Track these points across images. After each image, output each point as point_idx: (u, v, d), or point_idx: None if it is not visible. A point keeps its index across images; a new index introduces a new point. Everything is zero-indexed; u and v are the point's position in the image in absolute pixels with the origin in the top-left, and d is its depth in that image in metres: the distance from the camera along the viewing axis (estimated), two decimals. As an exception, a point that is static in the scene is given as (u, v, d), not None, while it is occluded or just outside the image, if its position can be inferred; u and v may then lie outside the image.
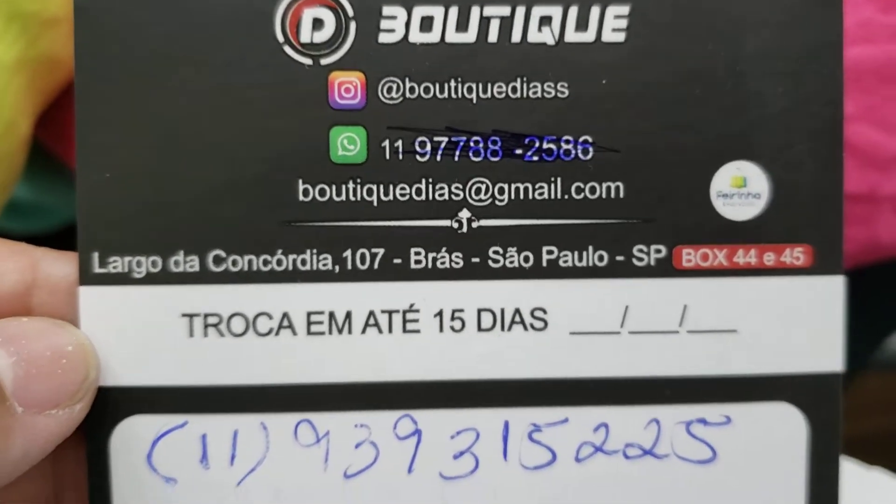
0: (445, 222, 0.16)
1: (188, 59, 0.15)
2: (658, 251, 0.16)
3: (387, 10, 0.15)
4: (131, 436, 0.15)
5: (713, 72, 0.16)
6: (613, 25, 0.15)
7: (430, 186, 0.16)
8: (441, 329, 0.16)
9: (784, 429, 0.16)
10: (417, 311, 0.16)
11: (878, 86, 0.26)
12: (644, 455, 0.16)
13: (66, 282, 0.15)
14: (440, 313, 0.16)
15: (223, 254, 0.15)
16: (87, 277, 0.15)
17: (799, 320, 0.16)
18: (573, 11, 0.15)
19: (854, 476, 0.26)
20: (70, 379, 0.14)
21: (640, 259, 0.16)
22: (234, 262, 0.15)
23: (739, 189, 0.16)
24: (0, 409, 0.13)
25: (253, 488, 0.15)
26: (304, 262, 0.15)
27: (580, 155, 0.16)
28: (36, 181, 0.30)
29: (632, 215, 0.16)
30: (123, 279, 0.15)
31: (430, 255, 0.16)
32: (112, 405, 0.15)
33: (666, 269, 0.16)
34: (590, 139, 0.16)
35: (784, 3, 0.16)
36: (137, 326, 0.15)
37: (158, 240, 0.15)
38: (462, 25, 0.15)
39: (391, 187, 0.15)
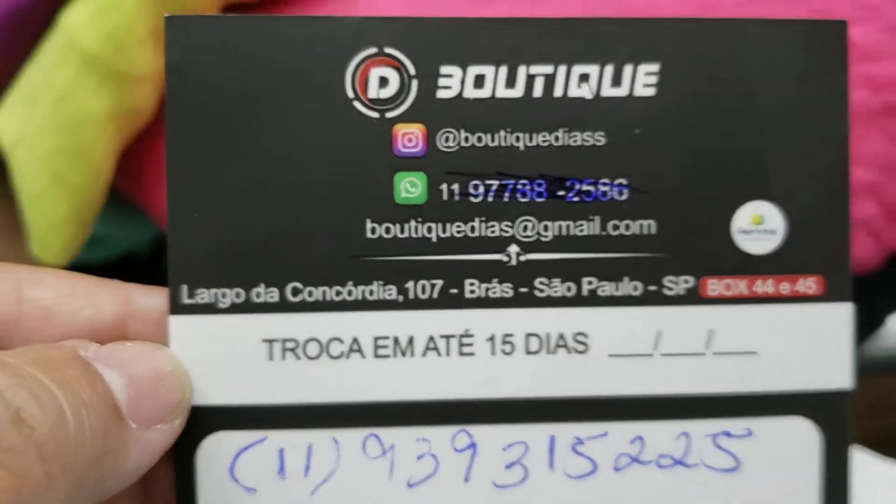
0: (497, 256, 0.17)
1: (268, 112, 0.17)
2: (686, 282, 0.18)
3: (444, 70, 0.17)
4: (216, 450, 0.17)
5: (733, 121, 0.17)
6: (645, 81, 0.17)
7: (483, 224, 0.17)
8: (493, 352, 0.17)
9: (800, 440, 0.18)
10: (472, 336, 0.17)
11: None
12: (675, 465, 0.18)
13: (156, 312, 0.17)
14: (492, 338, 0.17)
15: (300, 286, 0.17)
16: (176, 307, 0.17)
17: (812, 342, 0.18)
18: (609, 69, 0.17)
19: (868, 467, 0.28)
20: (170, 397, 0.16)
21: (670, 289, 0.18)
22: (310, 293, 0.17)
23: (758, 226, 0.18)
24: (119, 425, 0.15)
25: (326, 497, 0.17)
26: (371, 293, 0.17)
27: (616, 196, 0.17)
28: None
29: (663, 250, 0.18)
30: (210, 309, 0.17)
31: (483, 286, 0.17)
32: (199, 422, 0.17)
33: (693, 297, 0.18)
34: (625, 182, 0.17)
35: (795, 61, 0.18)
36: (222, 351, 0.17)
37: (241, 274, 0.17)
38: (510, 82, 0.17)
39: (448, 225, 0.17)
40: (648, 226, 0.17)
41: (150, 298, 0.17)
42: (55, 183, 0.26)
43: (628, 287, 0.17)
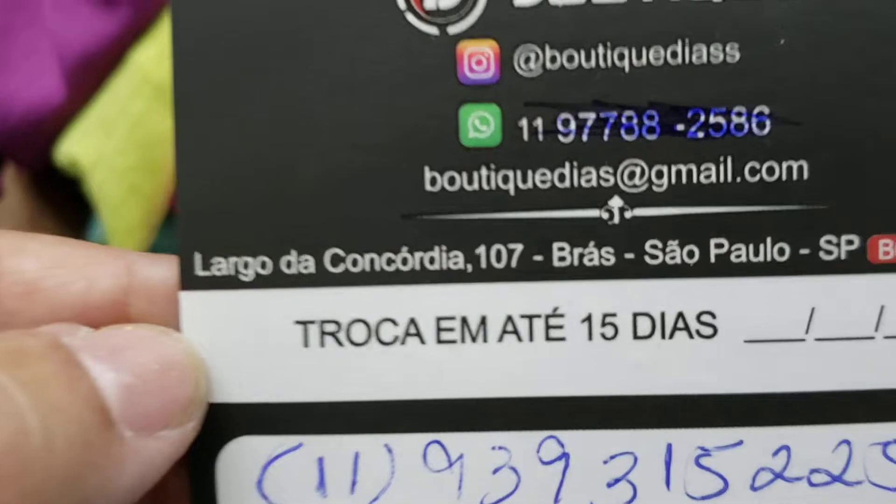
0: (594, 212, 0.13)
1: (297, 35, 0.13)
2: (850, 242, 0.13)
3: (524, -33, 0.13)
4: (240, 459, 0.14)
5: None
6: (793, -26, 0.13)
7: (576, 171, 0.13)
8: (590, 337, 0.13)
9: None
10: (562, 315, 0.13)
11: None
12: (832, 482, 0.13)
13: (165, 287, 0.14)
14: (589, 318, 0.13)
15: (341, 252, 0.13)
16: (189, 281, 0.14)
17: None
18: (745, -41, 0.13)
19: None
20: (182, 393, 0.13)
21: (829, 252, 0.13)
22: (354, 262, 0.13)
23: (949, 166, 0.13)
24: (107, 436, 0.11)
25: (377, 519, 0.14)
26: (432, 261, 0.13)
27: (755, 129, 0.13)
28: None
29: (818, 200, 0.13)
30: (229, 283, 0.14)
31: (577, 251, 0.13)
32: (219, 424, 0.14)
33: (860, 263, 0.13)
34: (766, 110, 0.13)
35: None
36: (246, 336, 0.14)
37: (268, 238, 0.13)
38: (612, -19, 0.13)
39: (530, 173, 0.13)
40: (799, 169, 0.13)
41: (158, 270, 0.14)
42: (132, 193, 0.32)
43: (772, 251, 0.13)
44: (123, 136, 0.32)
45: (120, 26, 0.32)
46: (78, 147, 0.32)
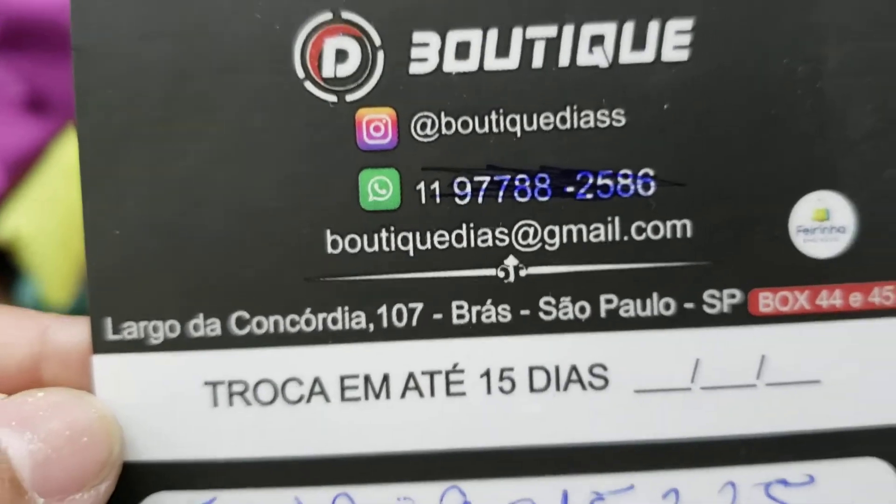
0: (490, 271, 0.14)
1: (201, 99, 0.14)
2: (732, 296, 0.14)
3: (418, 37, 0.14)
4: (156, 514, 0.14)
5: (791, 90, 0.14)
6: (675, 42, 0.14)
7: (472, 232, 0.14)
8: (489, 391, 0.14)
9: (874, 486, 0.14)
10: (462, 371, 0.14)
11: None
12: (719, 521, 0.14)
13: (78, 350, 0.14)
14: (487, 373, 0.14)
15: (246, 315, 0.14)
16: (100, 345, 0.14)
17: (889, 367, 0.14)
18: (629, 28, 0.14)
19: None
20: (94, 457, 0.13)
21: (713, 306, 0.14)
22: (259, 324, 0.14)
23: (822, 223, 0.14)
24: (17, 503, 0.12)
25: (289, 569, 0.14)
26: (335, 321, 0.14)
27: (640, 190, 0.14)
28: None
29: (701, 257, 0.14)
30: (139, 346, 0.14)
31: (474, 309, 0.14)
32: (134, 482, 0.14)
33: (741, 315, 0.14)
34: (651, 172, 0.14)
35: (870, 11, 0.14)
36: (157, 397, 0.14)
37: (176, 302, 0.14)
38: (502, 50, 0.14)
39: (428, 235, 0.14)
40: (683, 227, 0.14)
41: (71, 333, 0.14)
42: (64, 250, 0.36)
43: (658, 305, 0.14)
44: (56, 211, 0.36)
45: (52, 129, 0.37)
46: (20, 221, 0.37)
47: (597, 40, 0.14)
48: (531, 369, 0.14)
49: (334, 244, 0.14)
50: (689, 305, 0.14)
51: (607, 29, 0.14)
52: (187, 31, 0.14)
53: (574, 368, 0.14)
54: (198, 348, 0.14)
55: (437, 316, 0.14)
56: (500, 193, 0.14)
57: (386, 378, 0.14)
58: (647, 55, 0.14)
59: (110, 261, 0.14)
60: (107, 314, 0.14)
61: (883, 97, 0.14)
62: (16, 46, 0.36)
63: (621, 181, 0.14)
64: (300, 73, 0.14)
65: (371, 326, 0.14)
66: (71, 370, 0.14)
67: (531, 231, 0.14)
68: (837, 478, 0.14)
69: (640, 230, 0.14)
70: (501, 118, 0.14)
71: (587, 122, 0.14)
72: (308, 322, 0.14)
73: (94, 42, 0.14)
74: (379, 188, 0.14)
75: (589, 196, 0.14)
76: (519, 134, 0.14)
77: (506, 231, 0.14)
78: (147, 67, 0.14)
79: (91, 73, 0.14)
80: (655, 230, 0.14)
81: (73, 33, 0.14)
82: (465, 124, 0.14)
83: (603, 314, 0.14)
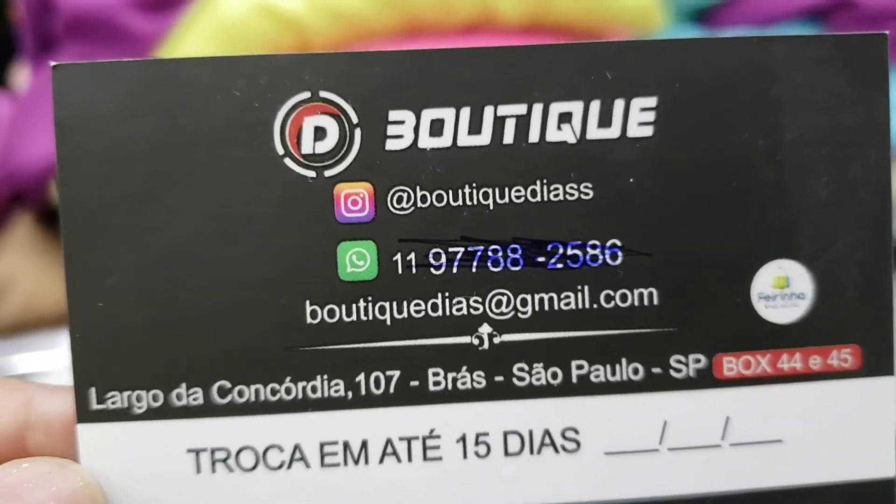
0: (465, 339, 0.14)
1: (181, 177, 0.14)
2: (697, 361, 0.15)
3: (393, 115, 0.14)
4: (139, 580, 0.14)
5: (750, 163, 0.14)
6: (640, 119, 0.14)
7: (447, 301, 0.14)
8: (465, 455, 0.14)
9: (837, 539, 0.15)
10: (438, 436, 0.14)
11: None
12: (688, 578, 0.15)
13: (62, 419, 0.14)
14: (463, 438, 0.14)
15: (228, 384, 0.14)
16: (84, 415, 0.14)
17: (848, 426, 0.15)
18: (595, 106, 0.14)
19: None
20: None
21: (679, 370, 0.15)
22: (241, 393, 0.14)
23: (782, 290, 0.14)
24: None
25: None
26: (314, 390, 0.14)
27: (608, 260, 0.14)
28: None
29: (667, 323, 0.14)
30: (123, 415, 0.14)
31: (450, 376, 0.14)
32: None
33: (706, 379, 0.15)
34: (618, 243, 0.14)
35: (826, 84, 0.14)
36: (141, 464, 0.14)
37: (159, 372, 0.14)
38: (475, 127, 0.14)
39: (405, 304, 0.14)
40: (649, 295, 0.14)
41: (55, 403, 0.14)
42: None
43: (627, 370, 0.14)
44: None
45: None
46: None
47: (565, 117, 0.14)
48: (506, 433, 0.15)
49: (313, 314, 0.14)
50: (656, 370, 0.15)
51: (575, 107, 0.14)
52: (167, 109, 0.14)
53: (547, 432, 0.15)
54: (181, 417, 0.14)
55: (414, 383, 0.14)
56: (474, 264, 0.14)
57: (364, 444, 0.14)
58: (613, 131, 0.14)
59: (94, 332, 0.14)
60: (91, 384, 0.14)
61: (839, 168, 0.14)
62: (76, 37, 0.40)
63: (590, 251, 0.14)
64: (280, 150, 0.14)
65: (349, 394, 0.14)
66: (56, 439, 0.14)
67: (504, 300, 0.14)
68: (801, 533, 0.15)
69: (608, 298, 0.14)
70: (475, 191, 0.14)
71: (557, 196, 0.14)
72: (288, 391, 0.14)
73: (76, 118, 0.14)
74: (357, 259, 0.14)
75: (559, 266, 0.14)
76: (491, 206, 0.14)
77: (480, 300, 0.14)
78: (128, 143, 0.14)
79: (73, 147, 0.14)
80: (623, 298, 0.14)
81: (55, 109, 0.14)
82: (439, 198, 0.14)
83: (574, 379, 0.14)
